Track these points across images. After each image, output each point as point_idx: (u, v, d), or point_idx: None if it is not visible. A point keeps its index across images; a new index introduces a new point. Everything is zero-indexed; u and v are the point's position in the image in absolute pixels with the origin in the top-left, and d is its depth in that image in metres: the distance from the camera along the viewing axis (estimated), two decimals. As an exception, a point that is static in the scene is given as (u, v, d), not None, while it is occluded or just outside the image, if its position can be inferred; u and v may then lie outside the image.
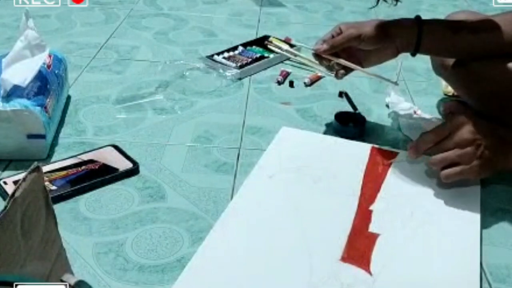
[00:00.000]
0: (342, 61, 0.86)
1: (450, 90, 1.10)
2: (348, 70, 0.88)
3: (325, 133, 0.96)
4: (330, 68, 0.88)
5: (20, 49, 0.85)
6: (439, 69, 1.00)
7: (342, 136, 0.95)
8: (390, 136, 0.98)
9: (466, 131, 0.75)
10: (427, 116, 1.01)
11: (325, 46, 0.86)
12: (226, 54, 1.22)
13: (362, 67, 0.89)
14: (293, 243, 0.68)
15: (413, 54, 0.86)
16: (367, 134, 0.97)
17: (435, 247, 0.69)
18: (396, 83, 0.89)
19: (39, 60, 0.85)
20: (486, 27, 0.84)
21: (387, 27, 0.84)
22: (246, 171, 0.84)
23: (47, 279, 0.51)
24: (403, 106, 1.03)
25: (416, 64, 1.11)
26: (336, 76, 0.88)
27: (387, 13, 1.59)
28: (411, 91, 1.11)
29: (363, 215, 0.74)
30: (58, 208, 0.71)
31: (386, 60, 0.89)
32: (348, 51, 0.87)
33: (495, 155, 0.75)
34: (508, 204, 0.81)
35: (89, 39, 1.29)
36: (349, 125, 0.97)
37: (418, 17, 0.84)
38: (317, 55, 0.88)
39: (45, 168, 0.79)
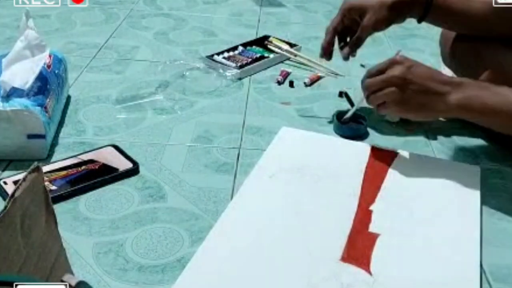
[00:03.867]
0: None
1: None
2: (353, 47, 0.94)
3: (325, 133, 0.96)
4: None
5: (20, 49, 0.85)
6: (448, 60, 1.02)
7: (342, 135, 0.95)
8: (390, 136, 0.98)
9: (398, 68, 0.77)
10: None
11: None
12: (226, 54, 1.22)
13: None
14: (293, 243, 0.68)
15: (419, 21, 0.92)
16: (367, 134, 0.97)
17: (435, 247, 0.69)
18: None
19: (39, 61, 0.85)
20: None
21: (398, 7, 0.89)
22: (246, 171, 0.84)
23: (47, 279, 0.51)
24: None
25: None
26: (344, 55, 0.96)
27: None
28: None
29: (363, 215, 0.74)
30: (58, 208, 0.71)
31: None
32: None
33: (416, 98, 0.77)
34: (508, 204, 0.81)
35: (89, 39, 1.29)
36: (349, 124, 0.97)
37: None
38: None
39: (45, 168, 0.79)
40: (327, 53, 0.98)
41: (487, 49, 0.90)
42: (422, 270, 0.66)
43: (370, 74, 0.81)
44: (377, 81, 0.79)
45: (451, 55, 0.99)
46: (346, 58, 0.95)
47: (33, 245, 0.49)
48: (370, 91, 0.80)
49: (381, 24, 0.90)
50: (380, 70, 0.79)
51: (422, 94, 0.76)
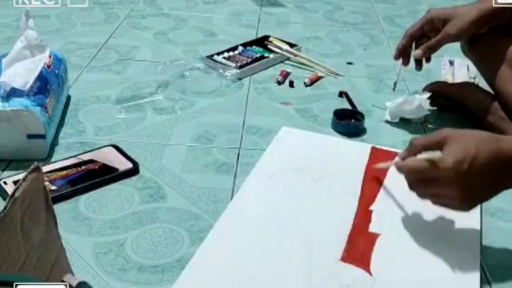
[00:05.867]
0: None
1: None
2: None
3: (325, 133, 0.96)
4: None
5: (20, 49, 0.85)
6: (465, 49, 1.02)
7: (340, 132, 0.96)
8: (390, 136, 0.98)
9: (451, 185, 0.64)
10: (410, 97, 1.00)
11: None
12: (226, 54, 1.22)
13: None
14: (293, 243, 0.68)
15: None
16: (367, 134, 0.97)
17: (435, 247, 0.69)
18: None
19: (39, 62, 0.85)
20: None
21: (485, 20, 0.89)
22: (246, 171, 0.84)
23: (47, 279, 0.51)
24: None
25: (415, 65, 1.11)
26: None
27: (387, 14, 1.59)
28: (410, 91, 1.11)
29: (363, 215, 0.74)
30: (58, 208, 0.71)
31: None
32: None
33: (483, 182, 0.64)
34: (508, 204, 0.81)
35: (89, 39, 1.29)
36: (347, 121, 0.97)
37: None
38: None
39: (45, 168, 0.79)
40: (400, 55, 0.99)
41: (505, 41, 0.91)
42: (422, 270, 0.66)
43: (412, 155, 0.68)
44: (425, 189, 0.68)
45: (470, 47, 0.99)
46: (419, 63, 0.97)
47: (33, 245, 0.49)
48: (419, 193, 0.69)
49: (465, 35, 0.92)
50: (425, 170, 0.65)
51: (489, 188, 0.66)
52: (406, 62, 1.00)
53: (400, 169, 0.69)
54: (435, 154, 0.64)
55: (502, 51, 0.91)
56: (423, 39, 0.97)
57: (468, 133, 0.66)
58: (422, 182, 0.67)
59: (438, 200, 0.67)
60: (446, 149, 0.64)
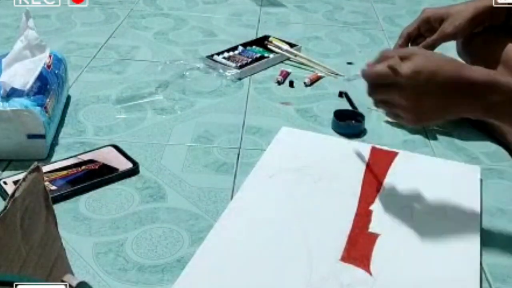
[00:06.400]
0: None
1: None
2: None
3: (325, 133, 0.96)
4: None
5: (20, 49, 0.85)
6: (458, 49, 1.02)
7: (340, 133, 0.96)
8: (390, 136, 0.98)
9: (402, 91, 0.65)
10: None
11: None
12: (226, 54, 1.22)
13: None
14: (293, 243, 0.68)
15: None
16: (367, 134, 0.97)
17: (435, 247, 0.69)
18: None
19: (39, 62, 0.85)
20: None
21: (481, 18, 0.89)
22: (246, 171, 0.84)
23: (47, 279, 0.51)
24: None
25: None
26: None
27: (387, 14, 1.59)
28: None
29: (363, 215, 0.74)
30: (58, 208, 0.71)
31: None
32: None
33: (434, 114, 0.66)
34: (508, 204, 0.81)
35: (89, 39, 1.29)
36: (347, 122, 0.97)
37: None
38: None
39: (45, 168, 0.79)
40: None
41: (500, 42, 0.91)
42: (422, 270, 0.66)
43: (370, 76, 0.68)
44: (380, 94, 0.69)
45: (465, 47, 0.99)
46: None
47: (33, 245, 0.49)
48: (375, 99, 0.70)
49: (461, 34, 0.92)
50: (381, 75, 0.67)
51: (440, 109, 0.66)
52: None
53: (364, 74, 0.69)
54: (394, 59, 0.65)
55: (497, 51, 0.90)
56: (419, 39, 0.96)
57: (436, 53, 0.69)
58: (380, 87, 0.67)
59: (390, 109, 0.69)
60: (411, 59, 0.65)
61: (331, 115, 0.99)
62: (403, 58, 0.66)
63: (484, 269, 0.69)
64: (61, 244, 0.56)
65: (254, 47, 1.27)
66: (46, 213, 0.52)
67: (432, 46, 0.93)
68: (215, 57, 1.20)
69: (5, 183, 0.76)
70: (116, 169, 0.81)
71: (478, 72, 0.65)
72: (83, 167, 0.81)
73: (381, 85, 0.67)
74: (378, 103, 0.70)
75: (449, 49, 1.02)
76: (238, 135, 0.95)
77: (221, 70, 1.15)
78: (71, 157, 0.84)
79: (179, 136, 0.93)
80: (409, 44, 0.97)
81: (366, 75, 0.68)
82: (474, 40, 0.95)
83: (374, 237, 0.70)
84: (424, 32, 0.95)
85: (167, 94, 1.06)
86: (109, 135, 0.92)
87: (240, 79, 1.14)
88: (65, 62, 0.99)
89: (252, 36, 1.35)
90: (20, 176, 0.76)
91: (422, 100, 0.65)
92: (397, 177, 0.83)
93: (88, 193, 0.77)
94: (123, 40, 1.30)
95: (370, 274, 0.65)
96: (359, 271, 0.65)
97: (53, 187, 0.76)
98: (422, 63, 0.64)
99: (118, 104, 1.02)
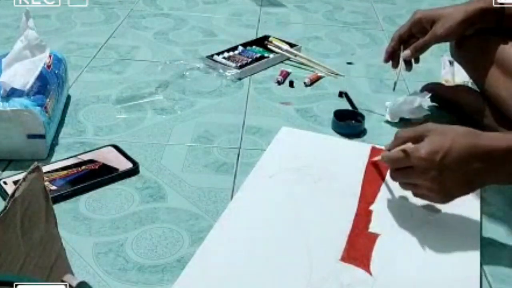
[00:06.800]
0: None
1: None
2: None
3: (325, 133, 0.96)
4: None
5: (20, 49, 0.85)
6: (455, 53, 1.02)
7: (340, 133, 0.96)
8: (390, 136, 0.97)
9: (428, 174, 0.66)
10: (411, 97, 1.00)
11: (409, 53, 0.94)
12: (226, 54, 1.22)
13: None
14: (293, 243, 0.68)
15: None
16: (367, 134, 0.97)
17: (435, 247, 0.69)
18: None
19: (39, 62, 0.85)
20: None
21: (471, 21, 0.88)
22: (246, 171, 0.84)
23: (47, 279, 0.51)
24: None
25: (416, 65, 1.11)
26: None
27: (387, 14, 1.59)
28: (410, 91, 1.11)
29: (363, 215, 0.74)
30: (58, 208, 0.71)
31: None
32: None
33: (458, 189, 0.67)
34: (508, 205, 0.81)
35: (89, 39, 1.29)
36: (347, 122, 0.97)
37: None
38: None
39: (45, 168, 0.79)
40: (389, 58, 0.99)
41: (493, 44, 0.91)
42: (422, 270, 0.66)
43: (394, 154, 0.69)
44: (402, 178, 0.70)
45: (458, 49, 0.99)
46: (408, 63, 0.97)
47: (33, 245, 0.49)
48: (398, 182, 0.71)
49: (452, 36, 0.92)
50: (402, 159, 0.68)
51: (463, 183, 0.66)
52: (395, 64, 0.99)
53: (382, 158, 0.72)
54: (407, 145, 0.67)
55: (490, 53, 0.90)
56: (411, 39, 0.96)
57: (450, 128, 0.68)
58: (400, 171, 0.69)
59: (416, 190, 0.70)
60: (425, 140, 0.66)
61: (331, 115, 0.99)
62: (417, 139, 0.67)
63: (484, 269, 0.69)
64: (61, 244, 0.56)
65: (254, 47, 1.27)
66: (46, 213, 0.52)
67: (424, 47, 0.93)
68: (215, 57, 1.20)
69: (5, 183, 0.76)
70: (116, 169, 0.81)
71: (496, 140, 0.65)
72: (83, 167, 0.81)
73: (401, 170, 0.69)
74: (403, 186, 0.71)
75: (444, 50, 1.02)
76: (238, 135, 0.95)
77: (221, 70, 1.15)
78: (71, 157, 0.84)
79: (179, 136, 0.93)
80: (401, 46, 0.96)
81: (384, 160, 0.72)
82: (467, 42, 0.95)
83: (374, 237, 0.70)
84: (416, 33, 0.95)
85: (167, 94, 1.06)
86: (109, 135, 0.92)
87: (240, 79, 1.14)
88: (65, 62, 0.99)
89: (252, 36, 1.35)
90: (20, 176, 0.76)
91: (444, 179, 0.65)
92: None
93: (88, 193, 0.77)
94: (123, 40, 1.30)
95: (370, 274, 0.65)
96: (359, 271, 0.65)
97: (53, 187, 0.76)
98: (437, 142, 0.65)
99: (118, 104, 1.02)
